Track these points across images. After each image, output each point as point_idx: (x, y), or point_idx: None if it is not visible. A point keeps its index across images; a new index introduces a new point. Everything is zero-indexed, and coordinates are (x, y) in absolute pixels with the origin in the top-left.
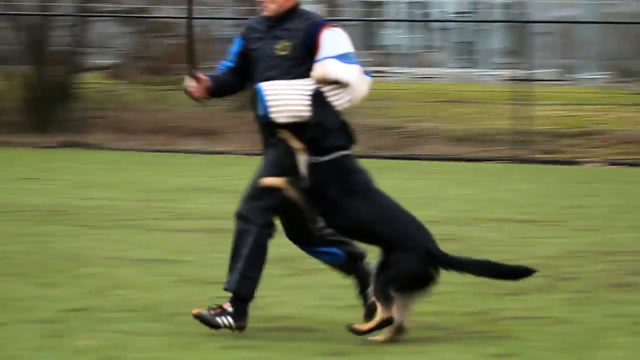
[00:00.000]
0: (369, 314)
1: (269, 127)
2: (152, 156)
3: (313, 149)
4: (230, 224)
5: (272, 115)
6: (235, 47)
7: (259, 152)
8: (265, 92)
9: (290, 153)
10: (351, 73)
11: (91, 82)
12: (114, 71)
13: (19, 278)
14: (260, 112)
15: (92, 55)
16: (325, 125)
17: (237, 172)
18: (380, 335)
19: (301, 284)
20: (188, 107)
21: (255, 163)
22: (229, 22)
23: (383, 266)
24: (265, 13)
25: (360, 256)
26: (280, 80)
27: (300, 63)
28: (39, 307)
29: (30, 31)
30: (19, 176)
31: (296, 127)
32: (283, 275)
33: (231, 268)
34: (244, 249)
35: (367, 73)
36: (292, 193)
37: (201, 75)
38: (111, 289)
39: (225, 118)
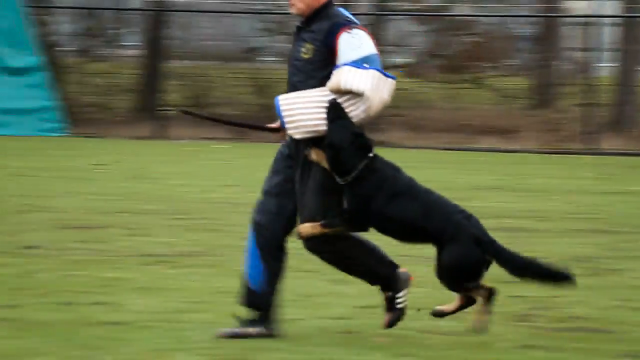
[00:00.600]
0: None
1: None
2: (447, 154)
3: (336, 171)
4: (526, 223)
5: (289, 132)
6: None
7: (554, 150)
8: (281, 107)
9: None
10: (365, 81)
11: None
12: (410, 69)
13: (314, 274)
14: (282, 126)
15: (389, 54)
16: (335, 145)
17: (533, 171)
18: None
19: (597, 285)
20: (483, 105)
21: (552, 162)
22: (526, 19)
23: (441, 267)
24: (291, 11)
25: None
26: (298, 92)
27: (322, 67)
28: (333, 304)
29: None
30: None
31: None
32: (579, 275)
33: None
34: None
35: (389, 75)
36: (335, 229)
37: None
38: None
39: (521, 116)
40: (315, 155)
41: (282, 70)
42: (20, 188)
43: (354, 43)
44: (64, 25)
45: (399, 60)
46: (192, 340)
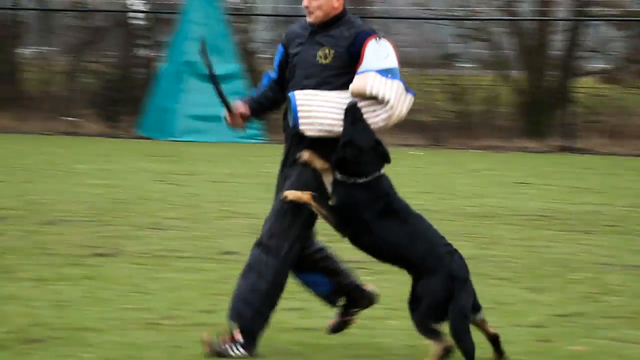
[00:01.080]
0: (337, 326)
1: (296, 141)
2: None
3: (346, 169)
4: None
5: (302, 128)
6: (277, 57)
7: None
8: (297, 101)
9: (316, 173)
10: (392, 90)
11: (586, 86)
12: (608, 75)
13: (510, 282)
14: (290, 122)
15: (588, 60)
16: (358, 145)
17: None
18: None
19: None
20: None
21: None
22: None
23: (414, 298)
24: (309, 20)
25: (347, 290)
26: (316, 90)
27: (340, 73)
28: (529, 312)
29: (527, 36)
30: (513, 180)
31: (324, 144)
32: None
33: (242, 296)
34: (262, 283)
35: (409, 91)
36: (319, 209)
37: (235, 104)
38: (600, 295)
39: None
40: (307, 156)
41: (478, 77)
42: (219, 194)
43: (382, 52)
44: (262, 32)
45: (598, 66)
46: (386, 347)
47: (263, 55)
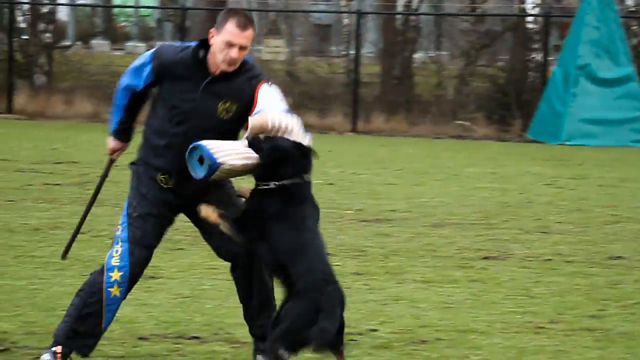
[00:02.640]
0: None
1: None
2: None
3: (266, 174)
4: None
5: (220, 159)
6: (145, 78)
7: None
8: (207, 145)
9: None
10: (294, 120)
11: None
12: None
13: None
14: (200, 172)
15: None
16: (282, 146)
17: None
18: None
19: None
20: None
21: None
22: None
23: (276, 318)
24: (226, 69)
25: None
26: (217, 141)
27: (240, 124)
28: None
29: None
30: None
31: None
32: None
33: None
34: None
35: (307, 131)
36: (224, 227)
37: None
38: None
39: None
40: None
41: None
42: (606, 199)
43: (276, 95)
44: None
45: None
46: None
47: None
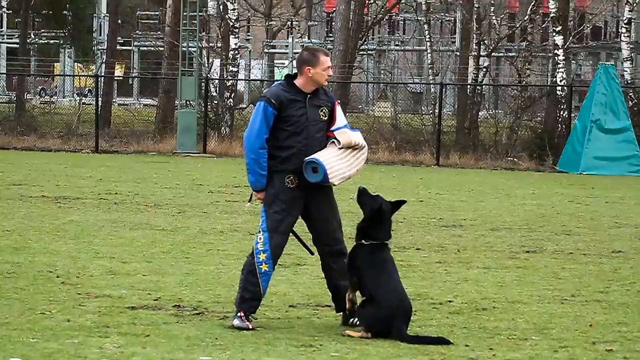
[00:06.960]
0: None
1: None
2: None
3: (364, 234)
4: None
5: (331, 181)
6: (270, 118)
7: None
8: (324, 163)
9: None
10: (361, 137)
11: None
12: None
13: None
14: (316, 178)
15: None
16: (378, 217)
17: None
18: None
19: None
20: None
21: None
22: None
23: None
24: (324, 84)
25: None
26: (323, 151)
27: (328, 124)
28: None
29: None
30: None
31: None
32: None
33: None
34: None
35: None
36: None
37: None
38: None
39: None
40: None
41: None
42: (611, 211)
43: (342, 111)
44: None
45: None
46: None
47: None
